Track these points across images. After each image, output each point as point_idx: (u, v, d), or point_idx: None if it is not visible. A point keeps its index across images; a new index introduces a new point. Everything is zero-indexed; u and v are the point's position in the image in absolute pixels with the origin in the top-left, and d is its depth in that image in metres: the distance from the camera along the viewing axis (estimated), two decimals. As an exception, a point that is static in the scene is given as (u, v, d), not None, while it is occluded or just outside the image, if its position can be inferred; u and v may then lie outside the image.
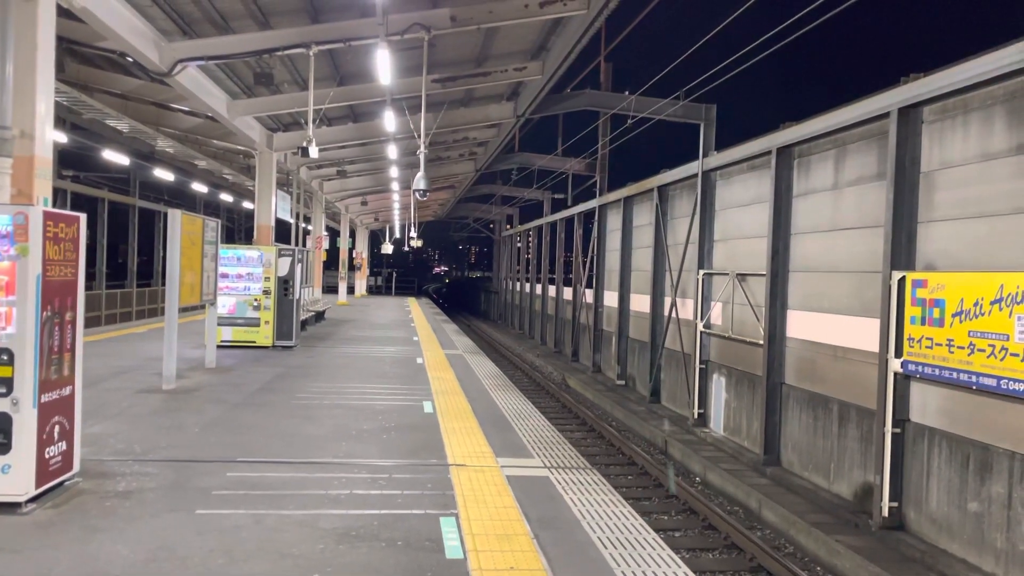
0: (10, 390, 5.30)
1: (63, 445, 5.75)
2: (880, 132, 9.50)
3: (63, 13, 8.35)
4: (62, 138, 18.58)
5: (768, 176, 11.93)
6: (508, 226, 44.57)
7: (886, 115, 9.17)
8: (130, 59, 11.80)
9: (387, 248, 50.81)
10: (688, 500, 10.47)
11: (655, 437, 14.09)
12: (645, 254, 18.09)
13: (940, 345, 7.95)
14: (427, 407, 9.90)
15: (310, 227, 30.10)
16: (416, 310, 32.73)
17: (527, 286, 36.22)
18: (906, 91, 8.83)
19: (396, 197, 35.88)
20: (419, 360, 14.81)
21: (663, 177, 16.72)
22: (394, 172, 27.25)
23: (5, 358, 5.29)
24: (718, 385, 13.86)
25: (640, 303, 18.48)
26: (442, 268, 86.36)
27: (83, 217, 5.94)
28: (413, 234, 44.24)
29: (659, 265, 17.03)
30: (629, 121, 16.85)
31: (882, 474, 8.74)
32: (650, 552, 5.12)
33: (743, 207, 13.21)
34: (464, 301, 67.16)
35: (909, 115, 8.89)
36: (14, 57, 6.83)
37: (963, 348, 7.62)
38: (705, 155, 14.70)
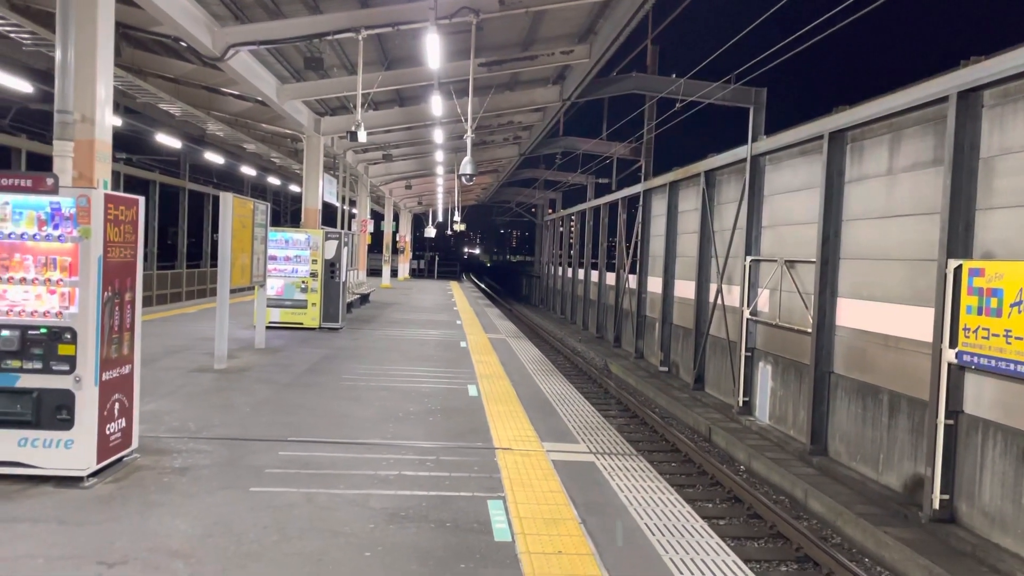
0: (73, 368, 5.47)
1: (122, 422, 5.92)
2: (938, 117, 9.27)
3: (120, -1, 8.52)
4: (117, 122, 18.98)
5: (819, 161, 11.72)
6: (551, 211, 44.47)
7: (944, 99, 8.94)
8: (183, 44, 12.01)
9: (430, 232, 51.10)
10: (733, 488, 10.41)
11: (699, 424, 14.01)
12: (690, 240, 17.92)
13: (997, 336, 7.76)
14: (472, 390, 9.97)
15: (355, 210, 30.39)
16: (459, 294, 32.90)
17: (569, 271, 36.14)
18: (966, 74, 8.59)
19: (440, 181, 36.02)
20: (463, 344, 14.90)
21: (710, 162, 16.52)
22: (439, 156, 27.35)
23: (68, 337, 5.46)
24: (764, 373, 13.71)
25: (685, 289, 18.33)
26: (471, 251, 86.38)
27: (142, 200, 6.08)
28: (456, 218, 44.36)
29: (705, 251, 16.86)
30: (677, 105, 16.66)
31: (933, 466, 8.59)
32: (698, 540, 5.11)
33: (793, 193, 13.00)
34: (506, 286, 67.29)
35: (968, 99, 8.64)
36: (75, 42, 6.97)
37: (1021, 339, 7.43)
38: (754, 139, 14.48)
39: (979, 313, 8.01)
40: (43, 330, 5.47)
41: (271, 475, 6.00)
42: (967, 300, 8.19)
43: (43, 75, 15.25)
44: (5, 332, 5.44)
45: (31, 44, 12.47)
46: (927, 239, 9.26)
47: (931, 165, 9.42)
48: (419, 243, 67.01)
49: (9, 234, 5.50)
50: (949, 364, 8.44)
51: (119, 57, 13.33)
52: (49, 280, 5.50)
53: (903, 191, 9.99)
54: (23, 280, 5.51)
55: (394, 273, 41.21)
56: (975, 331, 8.07)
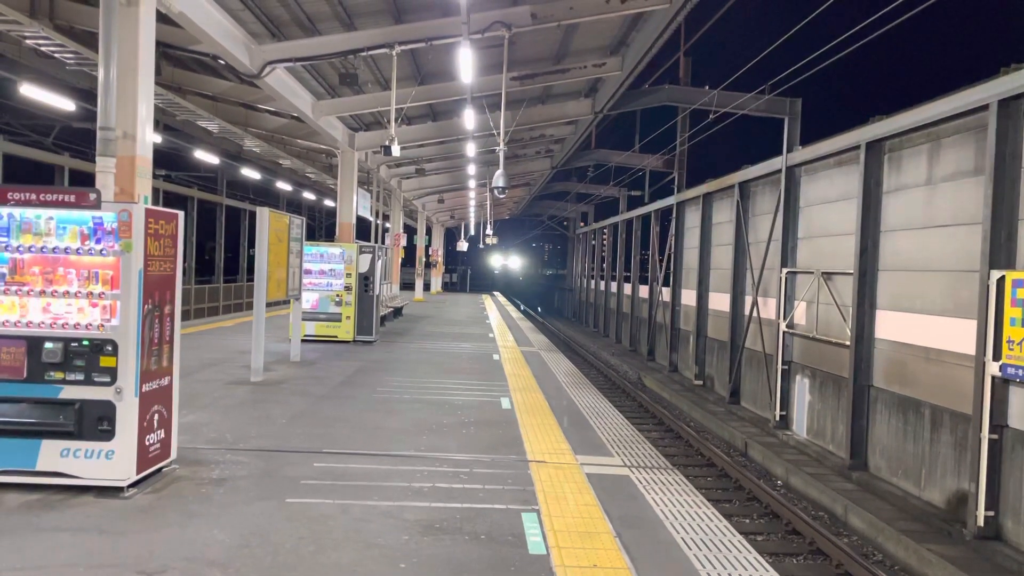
0: (114, 379, 5.55)
1: (161, 433, 5.99)
2: (978, 125, 9.12)
3: (161, 18, 8.71)
4: (157, 139, 19.35)
5: (856, 172, 11.58)
6: (583, 223, 44.42)
7: (985, 107, 8.80)
8: (222, 62, 12.23)
9: (462, 246, 51.29)
10: (771, 503, 10.25)
11: (735, 438, 13.84)
12: (725, 252, 17.78)
13: (1043, 348, 7.58)
14: (505, 403, 9.95)
15: (388, 225, 30.62)
16: (491, 307, 32.93)
17: (602, 284, 36.04)
18: (1007, 82, 8.44)
19: (472, 195, 36.18)
20: (495, 356, 14.90)
21: (744, 173, 16.41)
22: (471, 170, 27.49)
23: (110, 349, 5.55)
24: (801, 387, 13.52)
25: (719, 302, 18.17)
26: (506, 264, 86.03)
27: (181, 214, 6.18)
28: (489, 231, 44.48)
29: (739, 263, 16.72)
30: (711, 116, 16.58)
31: (978, 482, 8.39)
32: (735, 555, 5.03)
33: (829, 203, 12.85)
34: (538, 298, 67.26)
35: (1009, 107, 8.50)
36: (117, 61, 7.14)
37: (1069, 352, 7.25)
38: (789, 150, 14.35)
39: (1023, 325, 7.84)
40: (85, 342, 5.56)
41: (306, 486, 6.03)
42: (1011, 312, 8.01)
43: (86, 94, 15.63)
44: (49, 344, 5.55)
45: (74, 64, 12.78)
46: (968, 250, 9.09)
47: (971, 175, 9.26)
48: (452, 257, 67.31)
49: (53, 248, 5.62)
50: (993, 377, 8.25)
51: (159, 75, 13.56)
52: (91, 293, 5.60)
53: (943, 201, 9.82)
54: (66, 293, 5.61)
55: (427, 287, 41.42)
56: (1019, 343, 7.89)
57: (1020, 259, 8.30)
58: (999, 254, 8.42)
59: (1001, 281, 8.15)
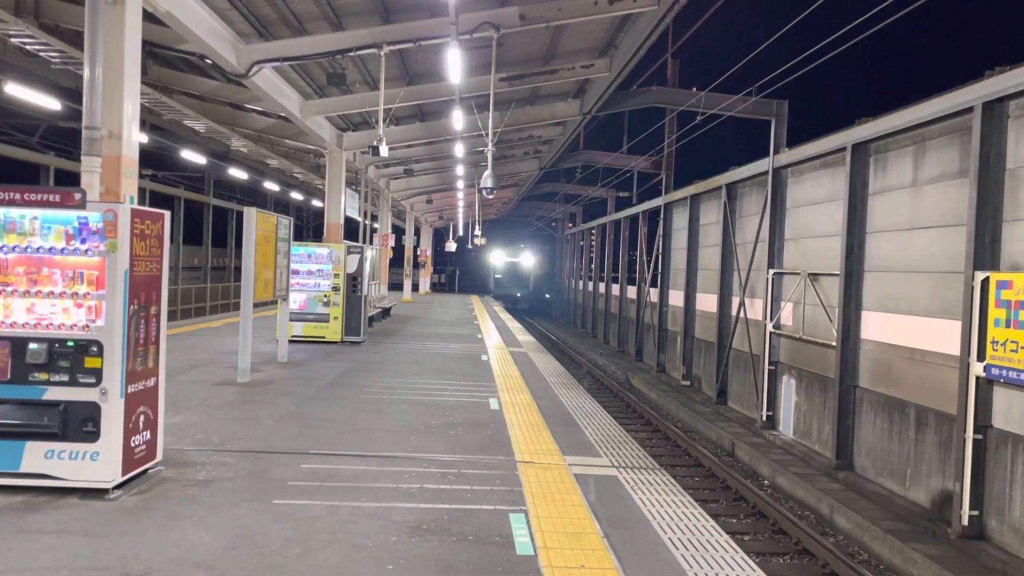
0: (99, 380, 5.51)
1: (147, 434, 5.96)
2: (963, 127, 9.18)
3: (147, 17, 8.66)
4: (143, 138, 19.23)
5: (843, 173, 11.64)
6: (571, 224, 44.47)
7: (969, 110, 8.87)
8: (209, 61, 12.17)
9: (451, 246, 51.24)
10: (757, 503, 10.30)
11: (722, 439, 13.89)
12: (712, 253, 17.84)
13: (1026, 349, 7.64)
14: (493, 404, 9.95)
15: (377, 225, 30.55)
16: (479, 308, 32.92)
17: (590, 285, 36.10)
18: (991, 85, 8.51)
19: (460, 195, 36.15)
20: (484, 357, 14.89)
21: (732, 175, 16.47)
22: (459, 170, 27.47)
23: (95, 349, 5.51)
24: (788, 387, 13.58)
25: (707, 303, 18.23)
26: (511, 261, 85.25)
27: (167, 214, 6.15)
28: (477, 232, 44.42)
29: (727, 264, 16.77)
30: (698, 118, 16.63)
31: (962, 481, 8.45)
32: (723, 555, 5.05)
33: (816, 205, 12.92)
34: (527, 299, 67.16)
35: (994, 109, 8.56)
36: (103, 60, 7.10)
37: (1052, 352, 7.31)
38: (776, 152, 14.42)
39: (1007, 326, 7.90)
40: (70, 343, 5.52)
41: (294, 488, 6.01)
42: (995, 312, 8.08)
43: (71, 93, 15.53)
44: (33, 345, 5.51)
45: (60, 62, 12.69)
46: (953, 251, 9.16)
47: (956, 176, 9.33)
48: (440, 257, 67.18)
49: (38, 248, 5.58)
50: (977, 378, 8.31)
51: (145, 75, 13.47)
52: (76, 294, 5.57)
53: (928, 203, 9.89)
54: (51, 294, 5.58)
55: (415, 287, 41.33)
56: (1003, 344, 7.95)
57: (1004, 260, 8.37)
58: (983, 255, 8.48)
59: (985, 282, 8.22)
